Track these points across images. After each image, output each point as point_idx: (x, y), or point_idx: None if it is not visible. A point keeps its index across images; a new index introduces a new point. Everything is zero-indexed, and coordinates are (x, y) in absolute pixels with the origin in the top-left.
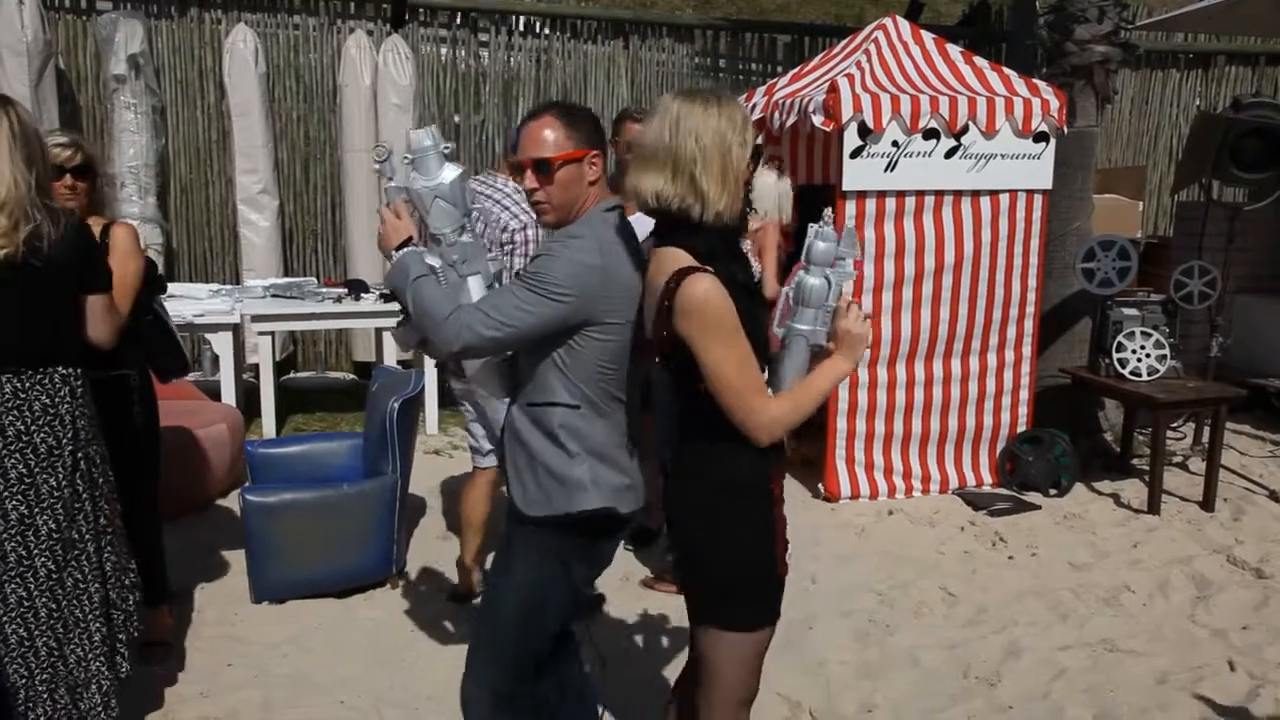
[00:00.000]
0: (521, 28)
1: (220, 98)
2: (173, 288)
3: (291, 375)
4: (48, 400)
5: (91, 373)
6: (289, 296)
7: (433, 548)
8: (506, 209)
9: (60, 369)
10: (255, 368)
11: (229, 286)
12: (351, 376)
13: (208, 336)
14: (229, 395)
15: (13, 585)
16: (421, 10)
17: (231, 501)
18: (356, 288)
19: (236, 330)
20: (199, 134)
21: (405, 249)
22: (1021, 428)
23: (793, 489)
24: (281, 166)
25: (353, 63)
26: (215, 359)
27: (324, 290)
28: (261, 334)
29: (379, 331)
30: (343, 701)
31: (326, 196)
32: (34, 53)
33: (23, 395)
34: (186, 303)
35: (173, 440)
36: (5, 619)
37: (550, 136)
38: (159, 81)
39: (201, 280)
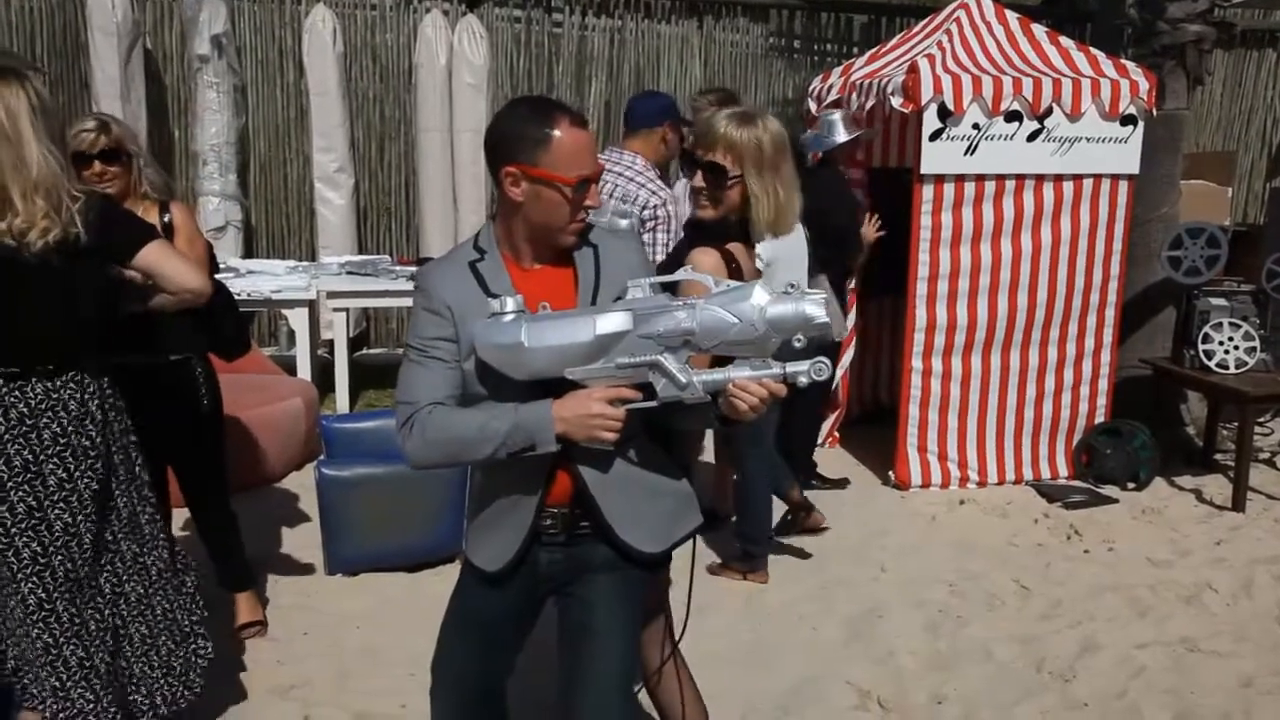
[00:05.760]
0: (595, 7)
1: (299, 77)
2: (250, 263)
3: (364, 351)
4: (80, 401)
5: (151, 358)
6: (363, 274)
7: None
8: (643, 186)
9: (88, 369)
10: (330, 343)
11: (305, 263)
12: None
13: (284, 312)
14: (304, 370)
15: (132, 584)
16: None
17: (306, 475)
18: None
19: (312, 306)
20: (278, 113)
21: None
22: (1099, 419)
23: (863, 476)
24: (357, 145)
25: (428, 42)
26: (291, 334)
27: (397, 268)
28: (336, 310)
29: None
30: (413, 675)
31: (401, 175)
32: (123, 33)
33: (54, 396)
34: (264, 278)
35: (249, 414)
36: (129, 618)
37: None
38: (240, 61)
39: (279, 256)
